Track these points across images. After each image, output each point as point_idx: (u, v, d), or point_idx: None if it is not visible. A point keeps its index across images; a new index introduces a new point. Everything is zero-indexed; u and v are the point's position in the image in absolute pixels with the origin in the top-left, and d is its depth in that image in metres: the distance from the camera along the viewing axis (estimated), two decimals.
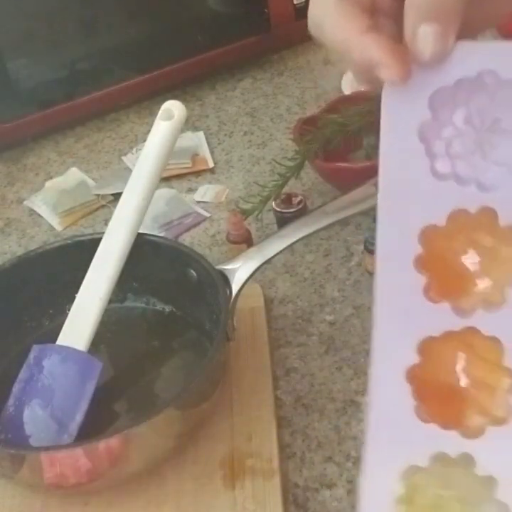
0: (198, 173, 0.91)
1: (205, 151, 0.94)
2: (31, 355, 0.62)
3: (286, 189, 0.80)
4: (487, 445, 0.37)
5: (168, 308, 0.71)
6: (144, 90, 1.02)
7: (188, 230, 0.83)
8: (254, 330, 0.69)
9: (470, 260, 0.37)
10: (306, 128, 0.82)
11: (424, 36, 0.34)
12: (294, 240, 0.64)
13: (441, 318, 0.37)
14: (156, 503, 0.57)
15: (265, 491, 0.56)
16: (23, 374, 0.62)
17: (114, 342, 0.68)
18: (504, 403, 0.37)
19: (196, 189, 0.89)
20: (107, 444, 0.53)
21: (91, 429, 0.59)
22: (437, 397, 0.38)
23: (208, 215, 0.85)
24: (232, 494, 0.57)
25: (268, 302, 0.73)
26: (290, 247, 0.64)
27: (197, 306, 0.67)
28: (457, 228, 0.37)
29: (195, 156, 0.93)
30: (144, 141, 0.67)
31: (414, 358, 0.38)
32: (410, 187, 0.37)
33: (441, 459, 0.37)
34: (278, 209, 0.78)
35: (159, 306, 0.71)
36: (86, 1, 0.96)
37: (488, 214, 0.37)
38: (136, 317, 0.71)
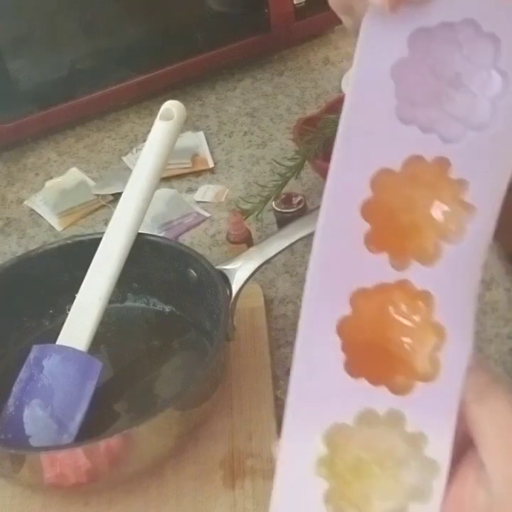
0: (198, 173, 0.91)
1: (205, 151, 0.94)
2: (31, 355, 0.62)
3: (286, 189, 0.80)
4: (416, 401, 0.36)
5: (168, 308, 0.71)
6: (144, 90, 1.02)
7: (188, 230, 0.83)
8: (254, 330, 0.69)
9: (416, 210, 0.37)
10: (306, 128, 0.82)
11: None
12: (294, 240, 0.64)
13: (377, 269, 0.36)
14: (156, 503, 0.57)
15: (265, 491, 0.56)
16: (23, 374, 0.62)
17: (114, 342, 0.68)
18: (431, 359, 0.36)
19: (196, 189, 0.89)
20: (107, 444, 0.53)
21: (91, 429, 0.59)
22: (366, 352, 0.37)
23: (208, 215, 0.85)
24: (232, 494, 0.57)
25: (268, 302, 0.73)
26: (290, 247, 0.64)
27: (197, 306, 0.67)
28: (410, 176, 0.36)
29: (195, 156, 0.93)
30: (144, 141, 0.67)
31: (345, 310, 0.36)
32: (373, 126, 0.36)
33: (368, 416, 0.36)
34: (278, 209, 0.78)
35: (159, 306, 0.71)
36: (86, 1, 0.96)
37: (443, 164, 0.36)
38: (136, 317, 0.71)
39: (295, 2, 1.02)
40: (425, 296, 0.37)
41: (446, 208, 0.36)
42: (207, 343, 0.65)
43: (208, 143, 0.95)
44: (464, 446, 0.37)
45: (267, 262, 0.64)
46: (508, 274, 0.74)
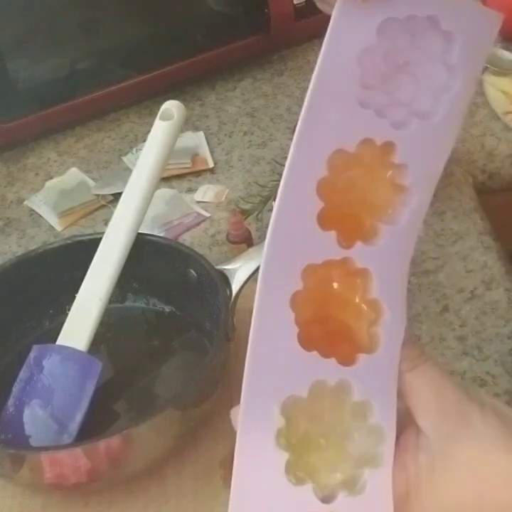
0: (198, 173, 0.91)
1: (205, 151, 0.94)
2: (31, 355, 0.62)
3: None
4: (361, 371, 0.38)
5: (168, 309, 0.71)
6: (144, 90, 1.02)
7: (188, 230, 0.83)
8: None
9: (358, 191, 0.38)
10: None
11: None
12: None
13: (326, 247, 0.38)
14: (156, 503, 0.57)
15: None
16: (23, 374, 0.62)
17: (114, 342, 0.68)
18: (370, 333, 0.38)
19: (196, 189, 0.89)
20: (107, 444, 0.53)
21: (91, 429, 0.59)
22: (315, 326, 0.38)
23: (208, 215, 0.85)
24: None
25: None
26: None
27: (197, 306, 0.67)
28: (358, 157, 0.38)
29: (195, 156, 0.93)
30: (144, 141, 0.67)
31: (298, 285, 0.38)
32: (335, 108, 0.37)
33: (319, 387, 0.38)
34: None
35: (159, 306, 0.71)
36: (86, 1, 0.96)
37: (388, 148, 0.38)
38: (136, 317, 0.71)
39: (295, 2, 1.02)
40: (364, 274, 0.38)
41: (384, 190, 0.38)
42: (207, 343, 0.65)
43: (208, 143, 0.95)
44: (403, 424, 0.39)
45: None
46: (508, 274, 0.74)
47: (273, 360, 0.38)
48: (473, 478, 0.36)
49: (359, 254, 0.38)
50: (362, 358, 0.38)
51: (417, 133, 0.38)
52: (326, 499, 0.38)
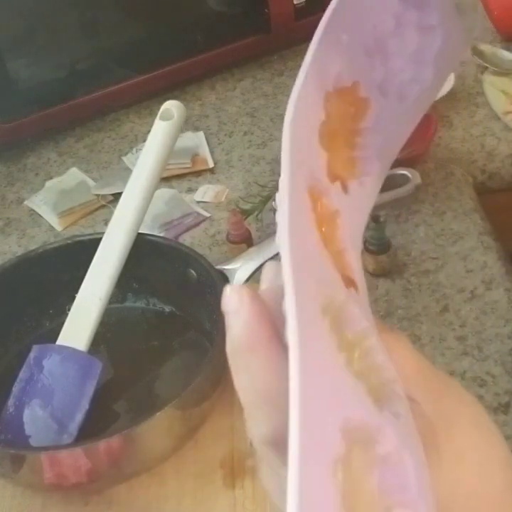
0: (198, 173, 0.91)
1: (205, 151, 0.94)
2: (31, 355, 0.62)
3: None
4: (359, 301, 0.36)
5: (168, 308, 0.71)
6: (144, 90, 1.02)
7: (188, 230, 0.83)
8: None
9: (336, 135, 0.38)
10: None
11: None
12: None
13: (319, 167, 0.37)
14: (156, 503, 0.57)
15: (265, 491, 0.56)
16: (23, 374, 0.62)
17: (114, 342, 0.68)
18: (347, 276, 0.37)
19: (196, 189, 0.89)
20: (107, 444, 0.53)
21: (91, 429, 0.59)
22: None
23: (208, 215, 0.85)
24: (232, 494, 0.57)
25: None
26: None
27: (197, 306, 0.67)
28: (340, 107, 0.37)
29: (195, 156, 0.93)
30: (144, 141, 0.67)
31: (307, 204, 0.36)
32: (349, 32, 0.36)
33: (332, 297, 0.35)
34: None
35: (159, 306, 0.71)
36: (86, 1, 0.96)
37: (365, 106, 0.38)
38: (136, 317, 0.71)
39: (295, 2, 1.02)
40: (334, 214, 0.37)
41: (346, 151, 0.38)
42: (207, 343, 0.65)
43: (208, 143, 0.95)
44: None
45: (267, 262, 0.63)
46: (508, 274, 0.74)
47: (307, 266, 0.34)
48: (475, 451, 0.35)
49: (336, 193, 0.37)
50: (352, 290, 0.36)
51: (389, 105, 0.38)
52: (379, 406, 0.33)
